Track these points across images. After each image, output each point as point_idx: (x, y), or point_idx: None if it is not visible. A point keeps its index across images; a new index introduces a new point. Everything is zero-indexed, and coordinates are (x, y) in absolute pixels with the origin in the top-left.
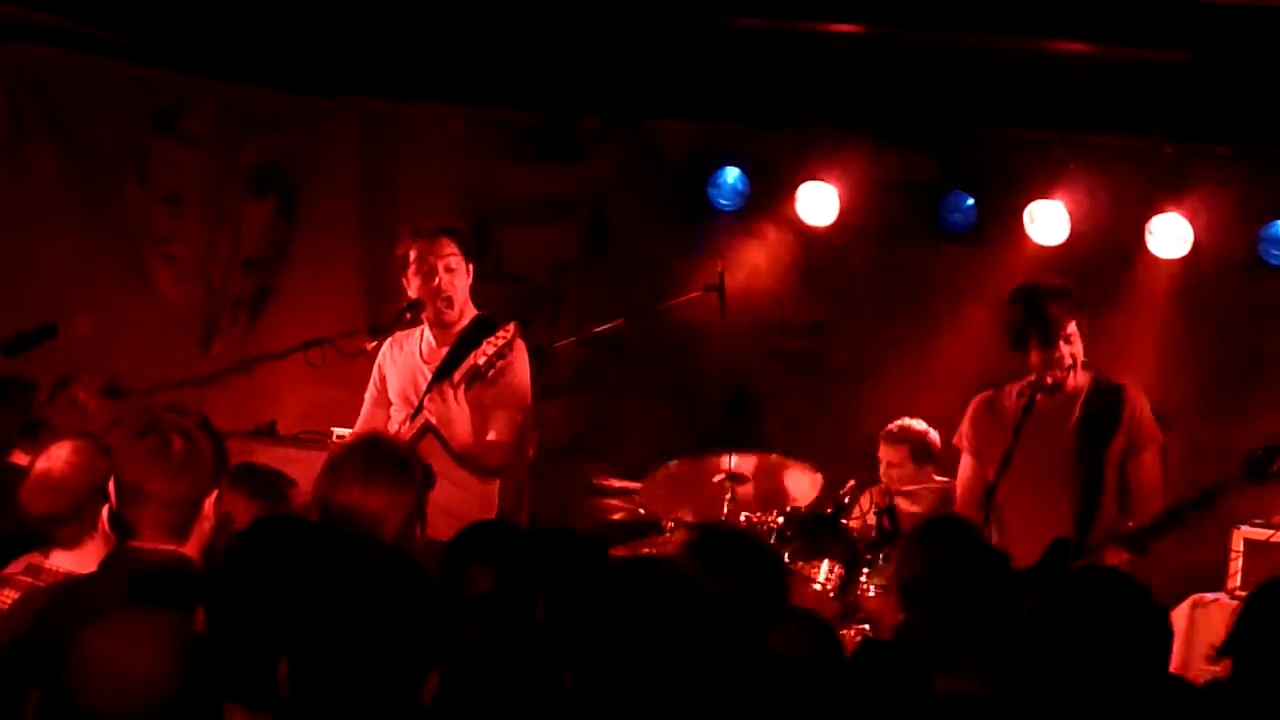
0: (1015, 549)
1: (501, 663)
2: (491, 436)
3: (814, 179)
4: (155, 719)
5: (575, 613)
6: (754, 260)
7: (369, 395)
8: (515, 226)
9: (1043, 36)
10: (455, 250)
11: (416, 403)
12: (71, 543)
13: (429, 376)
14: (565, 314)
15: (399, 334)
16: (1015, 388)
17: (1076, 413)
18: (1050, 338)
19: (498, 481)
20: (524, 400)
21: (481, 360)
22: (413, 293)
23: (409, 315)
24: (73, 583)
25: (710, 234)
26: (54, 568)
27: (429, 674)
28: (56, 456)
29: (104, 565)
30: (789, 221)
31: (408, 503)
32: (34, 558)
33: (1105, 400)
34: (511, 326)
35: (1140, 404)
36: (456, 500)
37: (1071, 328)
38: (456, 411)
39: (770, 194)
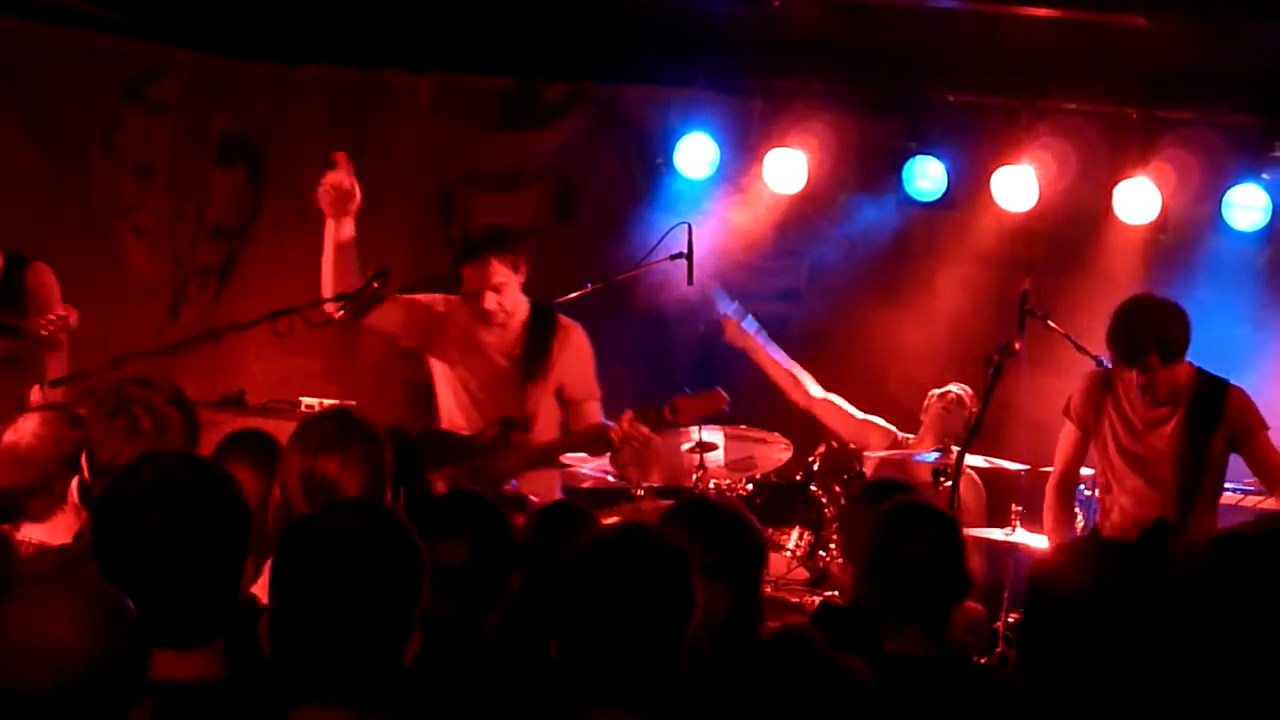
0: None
1: (477, 632)
2: None
3: (782, 145)
4: (78, 693)
5: (564, 581)
6: (722, 227)
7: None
8: (483, 193)
9: (1009, 2)
10: (502, 269)
11: (509, 396)
12: (42, 515)
13: (503, 366)
14: (533, 281)
15: (453, 298)
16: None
17: (1184, 405)
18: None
19: None
20: None
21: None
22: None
23: (376, 284)
24: (47, 554)
25: (678, 201)
26: (25, 539)
27: (410, 635)
28: (24, 429)
29: (79, 538)
30: (757, 188)
31: (375, 470)
32: (3, 530)
33: (1210, 396)
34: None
35: (1244, 401)
36: (537, 482)
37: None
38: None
39: (738, 160)
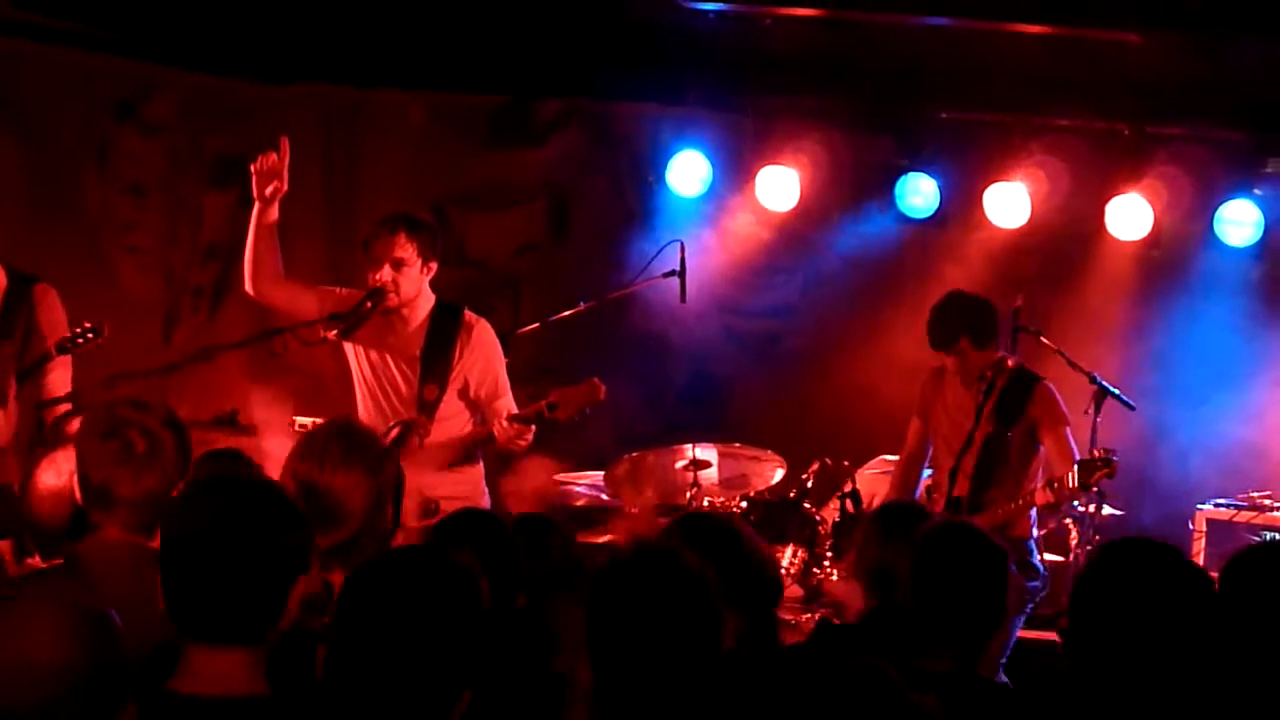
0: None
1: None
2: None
3: (774, 163)
4: (61, 708)
5: (591, 603)
6: (715, 244)
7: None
8: (476, 212)
9: (1000, 19)
10: (408, 245)
11: (410, 394)
12: None
13: (405, 365)
14: (527, 299)
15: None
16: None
17: (994, 396)
18: None
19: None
20: None
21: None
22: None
23: (369, 304)
24: (40, 575)
25: (671, 218)
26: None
27: (462, 692)
28: (65, 470)
29: (68, 559)
30: (749, 205)
31: (380, 487)
32: (36, 561)
33: (1018, 389)
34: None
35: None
36: (456, 484)
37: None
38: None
39: (731, 178)
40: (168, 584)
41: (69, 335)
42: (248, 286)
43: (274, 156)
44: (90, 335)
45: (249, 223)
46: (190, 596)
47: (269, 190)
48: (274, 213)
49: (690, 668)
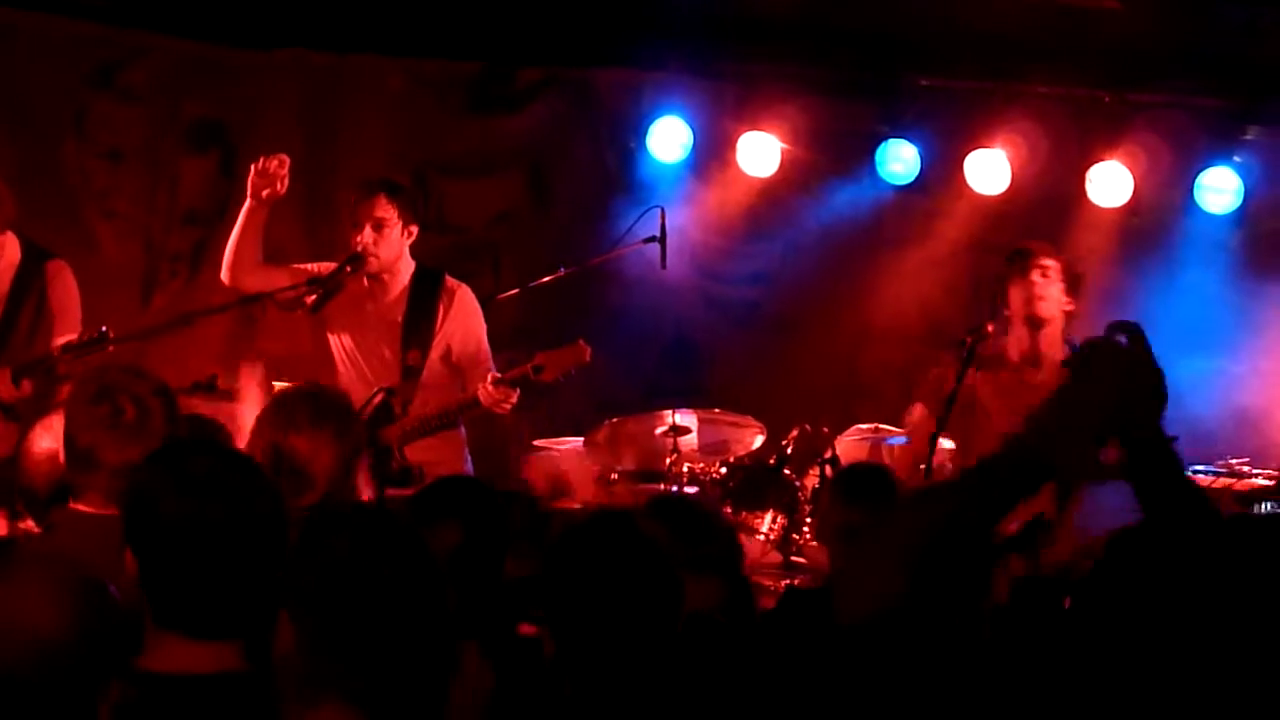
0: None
1: (469, 618)
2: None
3: (755, 129)
4: (51, 675)
5: (549, 570)
6: (695, 211)
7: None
8: (456, 178)
9: None
10: (389, 207)
11: (393, 360)
12: None
13: (386, 332)
14: (506, 265)
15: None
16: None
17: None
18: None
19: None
20: None
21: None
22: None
23: (349, 269)
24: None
25: (651, 184)
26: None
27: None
28: (60, 434)
29: (47, 528)
30: (730, 172)
31: (348, 450)
32: (28, 524)
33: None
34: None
35: None
36: (439, 449)
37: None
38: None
39: (711, 144)
40: (151, 574)
41: (74, 341)
42: (224, 275)
43: (278, 161)
44: (95, 345)
45: (238, 216)
46: (181, 591)
47: (265, 193)
48: (265, 214)
49: (648, 633)
